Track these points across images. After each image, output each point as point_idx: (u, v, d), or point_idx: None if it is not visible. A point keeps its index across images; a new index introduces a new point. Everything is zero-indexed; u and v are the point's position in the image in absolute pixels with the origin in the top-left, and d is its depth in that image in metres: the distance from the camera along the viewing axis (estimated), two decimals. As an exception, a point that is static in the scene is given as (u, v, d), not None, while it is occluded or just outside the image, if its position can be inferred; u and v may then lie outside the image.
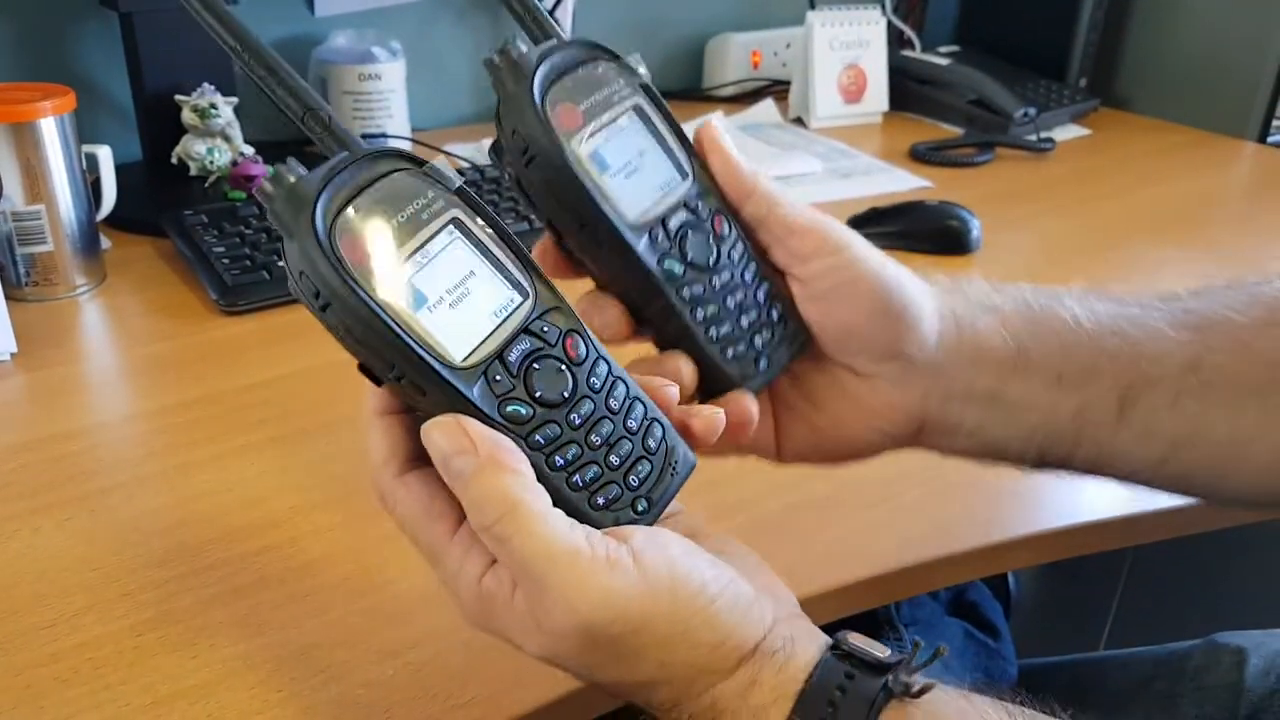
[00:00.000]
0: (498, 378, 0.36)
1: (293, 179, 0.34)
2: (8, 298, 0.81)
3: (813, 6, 1.43)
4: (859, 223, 0.99)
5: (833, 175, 1.16)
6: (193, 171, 1.01)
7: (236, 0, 1.02)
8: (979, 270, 0.96)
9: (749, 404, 0.44)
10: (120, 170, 0.99)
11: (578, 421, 0.38)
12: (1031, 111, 1.30)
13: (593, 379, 0.38)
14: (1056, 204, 1.14)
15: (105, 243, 0.91)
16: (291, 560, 0.55)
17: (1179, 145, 1.34)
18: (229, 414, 0.68)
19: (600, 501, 0.38)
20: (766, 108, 1.36)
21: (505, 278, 0.38)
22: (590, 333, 0.39)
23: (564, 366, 0.38)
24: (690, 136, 0.45)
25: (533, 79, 0.39)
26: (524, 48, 0.40)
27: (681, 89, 1.44)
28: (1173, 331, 0.46)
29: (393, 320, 0.34)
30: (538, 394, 0.37)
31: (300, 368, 0.73)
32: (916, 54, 1.43)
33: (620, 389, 0.39)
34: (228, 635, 0.51)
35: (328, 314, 0.34)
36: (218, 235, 0.86)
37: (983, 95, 1.32)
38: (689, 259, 0.43)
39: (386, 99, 1.14)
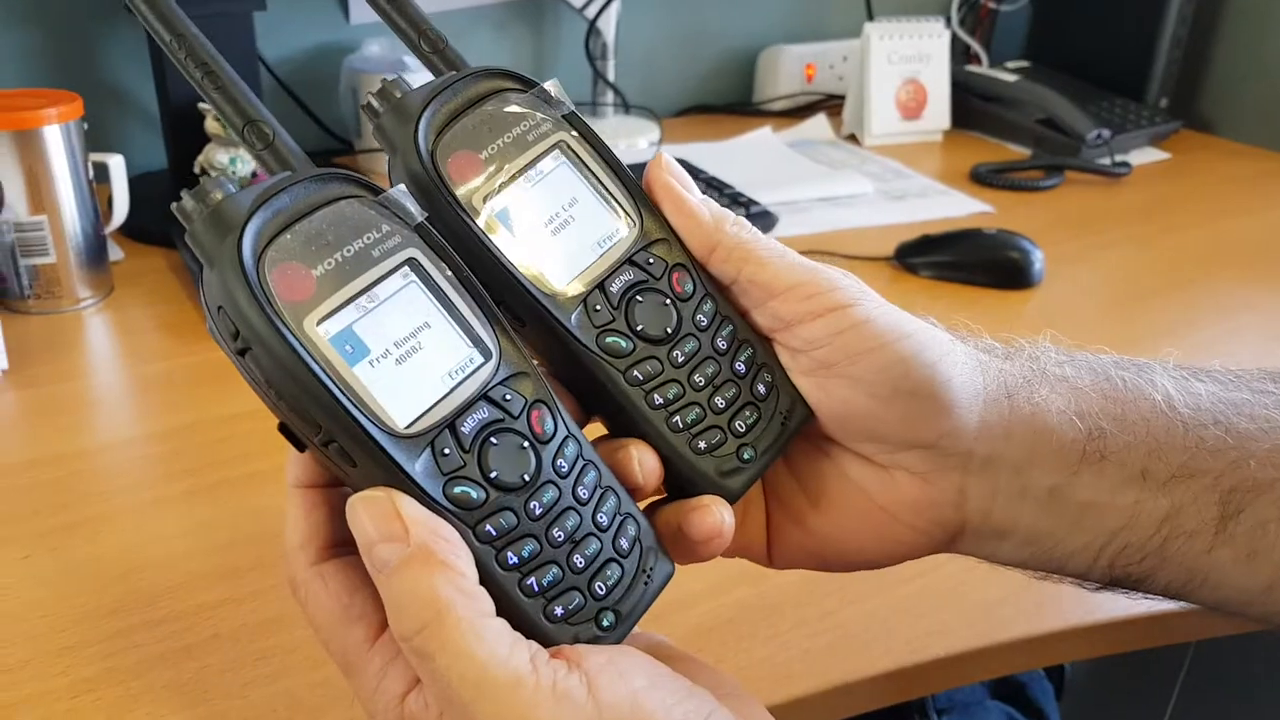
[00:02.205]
0: (446, 451, 0.30)
1: (219, 196, 0.29)
2: (9, 310, 0.78)
3: (871, 17, 1.36)
4: (907, 251, 0.92)
5: (884, 197, 1.09)
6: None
7: (263, 6, 0.99)
8: (1038, 307, 0.89)
9: (720, 513, 0.35)
10: (144, 179, 0.96)
11: (538, 511, 0.31)
12: (1105, 133, 1.21)
13: (560, 461, 0.32)
14: (1130, 234, 1.05)
15: (117, 254, 0.88)
16: (249, 616, 0.51)
17: (1268, 172, 1.25)
18: (212, 445, 0.64)
19: (558, 612, 0.31)
20: (819, 123, 1.29)
21: (465, 333, 0.32)
22: (560, 406, 0.33)
23: (527, 443, 0.32)
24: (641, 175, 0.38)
25: (417, 123, 0.33)
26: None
27: (730, 102, 1.39)
28: None
29: (325, 373, 0.28)
30: (493, 474, 0.31)
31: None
32: (982, 69, 1.35)
33: (591, 474, 0.33)
34: (168, 703, 0.46)
35: (246, 360, 0.29)
36: (228, 250, 0.82)
37: (1053, 114, 1.24)
38: (638, 330, 0.35)
39: (420, 109, 1.10)
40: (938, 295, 0.88)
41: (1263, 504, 0.36)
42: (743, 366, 0.36)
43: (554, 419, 0.33)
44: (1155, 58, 1.33)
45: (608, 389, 0.35)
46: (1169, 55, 1.34)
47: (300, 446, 0.31)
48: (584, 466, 0.33)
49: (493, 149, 0.33)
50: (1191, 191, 1.19)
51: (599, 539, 0.33)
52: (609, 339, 0.34)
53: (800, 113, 1.35)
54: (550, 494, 0.32)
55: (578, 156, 0.35)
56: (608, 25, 1.22)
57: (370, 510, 0.29)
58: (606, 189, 0.35)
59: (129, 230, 0.90)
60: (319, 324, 0.29)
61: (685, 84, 1.38)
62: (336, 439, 0.29)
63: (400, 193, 0.32)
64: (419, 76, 1.13)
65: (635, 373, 0.34)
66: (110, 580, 0.53)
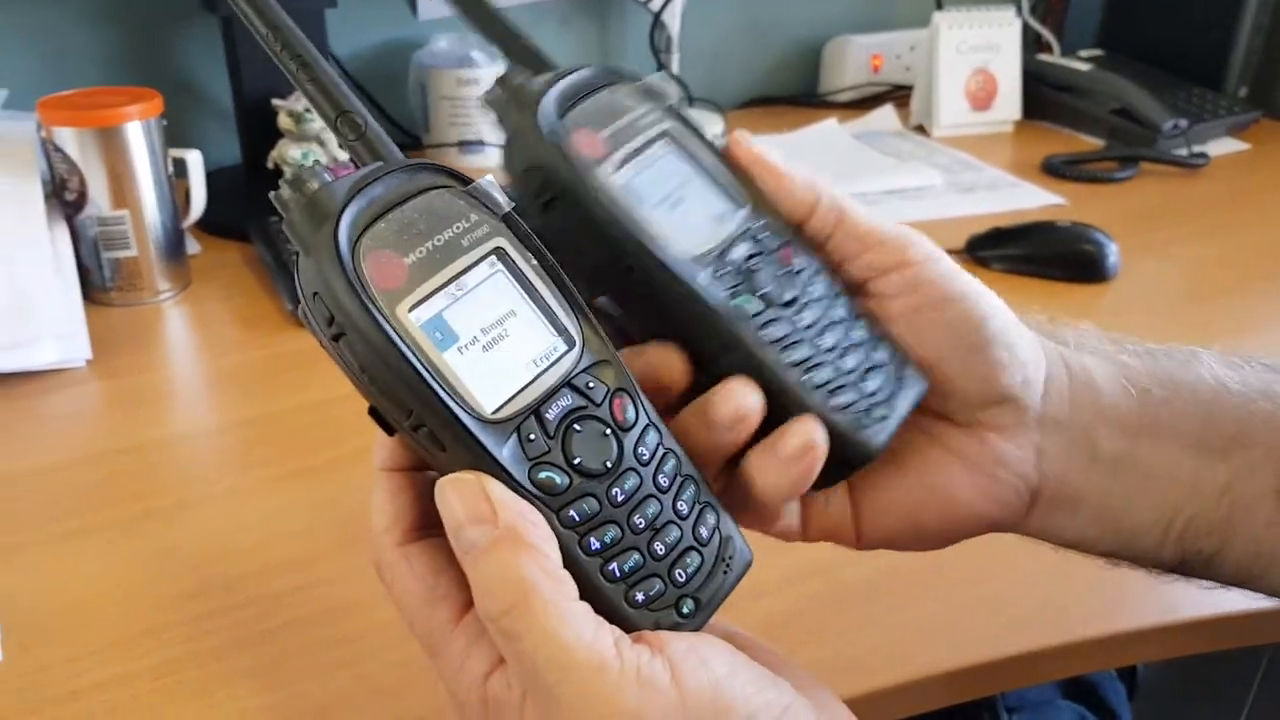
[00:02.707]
0: (532, 437, 0.31)
1: (315, 185, 0.30)
2: (93, 301, 0.80)
3: (939, 7, 1.35)
4: (979, 244, 0.90)
5: (953, 189, 1.08)
6: (288, 176, 0.99)
7: (334, 4, 1.00)
8: (1113, 301, 0.87)
9: (814, 428, 0.35)
10: (219, 174, 0.98)
11: (620, 498, 0.32)
12: (1182, 123, 1.18)
13: (641, 449, 0.32)
14: (1207, 227, 1.03)
15: (195, 247, 0.90)
16: (328, 601, 0.52)
17: (1352, 162, 1.21)
18: (288, 435, 0.65)
19: (639, 598, 0.31)
20: (886, 114, 1.28)
21: (550, 321, 0.32)
22: (642, 394, 0.33)
23: (609, 431, 0.32)
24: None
25: (538, 106, 0.34)
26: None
27: (795, 94, 1.38)
28: None
29: (417, 358, 0.29)
30: (576, 460, 0.31)
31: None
32: (1054, 58, 1.33)
33: (671, 463, 0.33)
34: (250, 684, 0.47)
35: (340, 345, 0.29)
36: (301, 243, 0.84)
37: (1127, 104, 1.21)
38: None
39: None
40: (1010, 288, 0.86)
41: None
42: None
43: (635, 407, 0.33)
44: (1234, 45, 1.30)
45: (744, 356, 0.35)
46: (1248, 43, 1.30)
47: (390, 430, 0.31)
48: (664, 455, 0.33)
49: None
50: (1271, 183, 1.15)
51: (679, 526, 0.33)
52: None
53: (866, 104, 1.33)
54: (632, 481, 0.32)
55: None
56: (672, 18, 1.22)
57: (459, 492, 0.30)
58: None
59: (205, 224, 0.92)
60: (411, 310, 0.29)
61: (750, 76, 1.37)
62: (427, 423, 0.30)
63: (488, 183, 0.32)
64: (487, 72, 1.14)
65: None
66: (190, 565, 0.54)
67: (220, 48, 1.01)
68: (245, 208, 0.94)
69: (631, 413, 0.33)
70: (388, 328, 0.28)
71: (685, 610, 0.32)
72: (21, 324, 0.71)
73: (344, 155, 0.99)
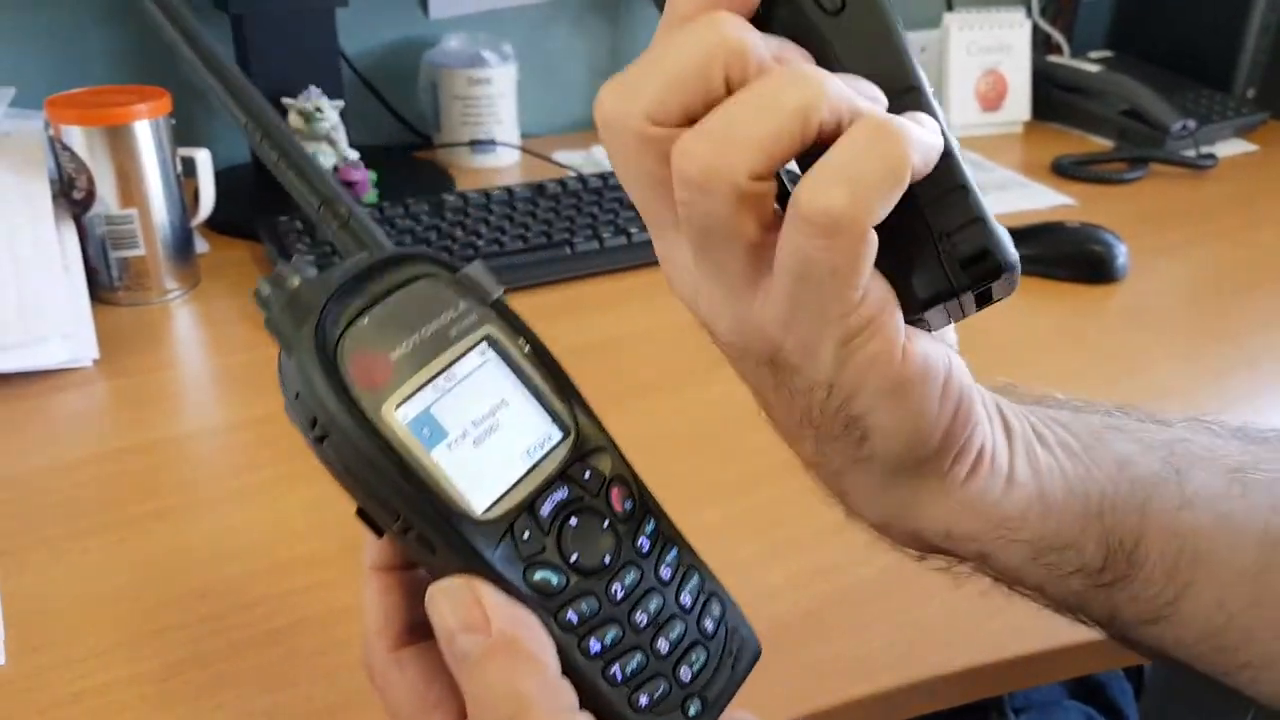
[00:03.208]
0: (526, 535, 0.29)
1: (296, 282, 0.29)
2: (100, 301, 0.80)
3: (950, 8, 1.34)
4: (988, 245, 0.90)
5: (963, 191, 1.07)
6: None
7: (345, 3, 1.00)
8: (1122, 301, 0.87)
9: None
10: (228, 173, 0.98)
11: (620, 595, 0.30)
12: (1191, 124, 1.18)
13: (641, 540, 0.31)
14: (1216, 228, 1.02)
15: (203, 246, 0.90)
16: (336, 601, 0.52)
17: (1362, 164, 1.20)
18: (295, 434, 0.64)
19: (643, 701, 0.30)
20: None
21: (544, 409, 0.31)
22: (640, 480, 0.32)
23: (607, 522, 0.31)
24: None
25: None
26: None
27: (806, 95, 1.37)
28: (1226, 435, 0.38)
29: (403, 460, 0.28)
30: (574, 557, 0.30)
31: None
32: (1064, 59, 1.32)
33: (673, 552, 0.32)
34: (256, 684, 0.47)
35: (324, 446, 0.28)
36: (309, 243, 0.84)
37: (1136, 105, 1.21)
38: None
39: (495, 104, 1.11)
40: (1021, 289, 0.86)
41: (1207, 467, 0.36)
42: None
43: (634, 495, 0.32)
44: (1242, 47, 1.29)
45: None
46: (1256, 44, 1.29)
47: (379, 532, 0.30)
48: (665, 544, 0.32)
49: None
50: (1279, 184, 1.15)
51: (683, 621, 0.32)
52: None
53: (875, 105, 1.33)
54: (632, 576, 0.31)
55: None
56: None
57: (450, 599, 0.29)
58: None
59: (214, 223, 0.92)
60: (397, 408, 0.28)
61: (758, 77, 1.37)
62: (415, 527, 0.29)
63: (476, 269, 0.31)
64: (498, 71, 1.13)
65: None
66: (198, 565, 0.54)
67: (230, 46, 1.01)
68: (254, 206, 0.94)
69: (630, 502, 0.32)
70: (372, 430, 0.28)
71: (692, 712, 0.31)
72: (29, 323, 0.71)
73: (354, 155, 1.00)
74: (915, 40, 1.36)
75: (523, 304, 0.88)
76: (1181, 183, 1.14)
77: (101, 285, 0.81)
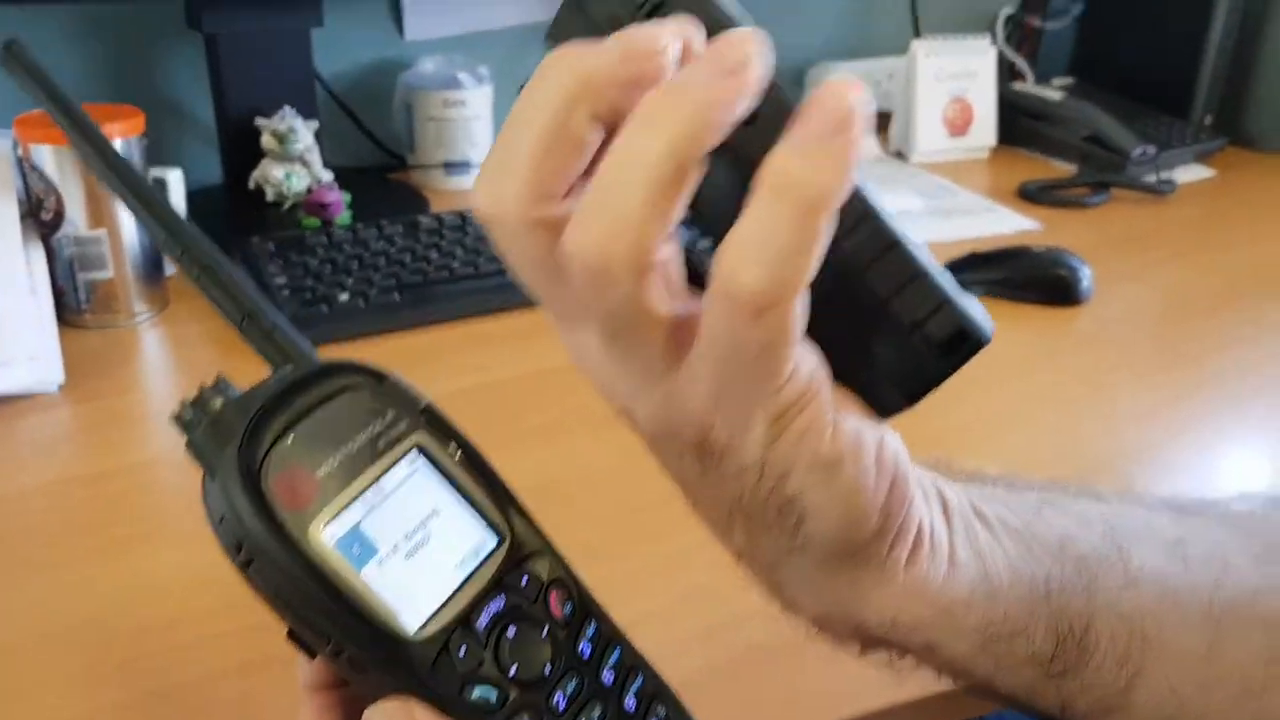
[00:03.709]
0: (462, 651, 0.29)
1: (219, 404, 0.29)
2: (67, 324, 0.80)
3: (918, 35, 1.36)
4: (956, 268, 0.91)
5: (933, 214, 1.09)
6: (269, 197, 0.99)
7: (321, 23, 1.00)
8: (1088, 324, 0.88)
9: None
10: (200, 194, 0.98)
11: (562, 705, 0.30)
12: (1151, 150, 1.20)
13: (582, 644, 0.31)
14: (1177, 252, 1.05)
15: (172, 269, 0.90)
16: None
17: (1317, 190, 1.23)
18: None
19: None
20: (866, 140, 1.29)
21: (477, 515, 0.31)
22: (579, 580, 0.32)
23: (547, 630, 0.30)
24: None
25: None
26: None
27: (776, 119, 1.39)
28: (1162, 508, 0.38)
29: (331, 583, 0.27)
30: (513, 670, 0.29)
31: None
32: (1028, 87, 1.35)
33: (615, 654, 0.31)
34: (229, 717, 0.46)
35: (251, 571, 0.27)
36: (282, 265, 0.83)
37: (1098, 131, 1.23)
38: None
39: (471, 126, 1.12)
40: (988, 312, 0.88)
41: (1147, 543, 0.36)
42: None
43: (573, 598, 0.31)
44: (1199, 75, 1.32)
45: None
46: (1213, 73, 1.32)
47: (311, 654, 0.30)
48: (607, 647, 0.31)
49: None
50: (1237, 208, 1.17)
51: None
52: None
53: (844, 129, 1.35)
54: (573, 684, 0.30)
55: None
56: (653, 43, 1.22)
57: None
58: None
59: (183, 244, 0.91)
60: (324, 528, 0.28)
61: (729, 100, 1.38)
62: (346, 650, 0.28)
63: (401, 378, 0.31)
64: (473, 93, 1.13)
65: None
66: (168, 594, 0.54)
67: (204, 66, 1.01)
68: (226, 228, 0.94)
69: (570, 605, 0.31)
70: (298, 554, 0.27)
71: None
72: (-3, 345, 0.70)
73: (328, 176, 0.99)
74: (884, 67, 1.38)
75: (498, 327, 0.88)
76: (1143, 207, 1.16)
77: (69, 307, 0.80)
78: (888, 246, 0.28)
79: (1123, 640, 0.35)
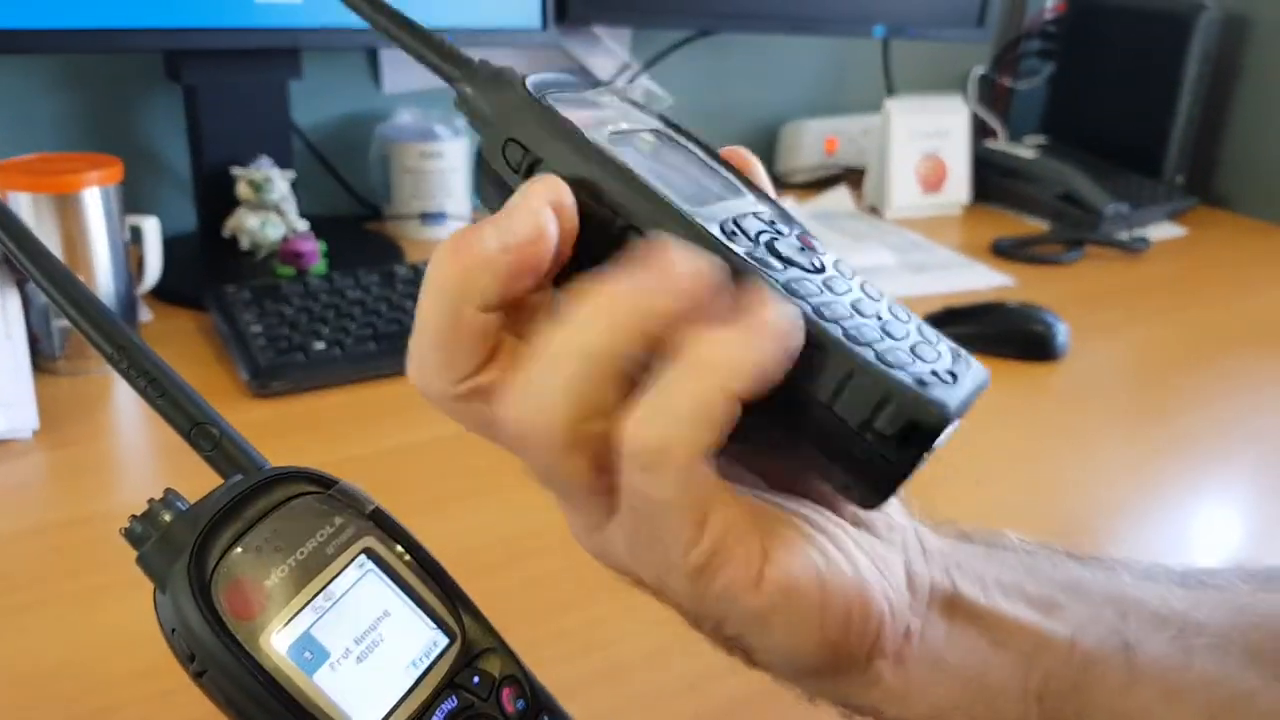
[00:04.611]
0: None
1: (168, 517, 0.29)
2: (41, 370, 0.79)
3: (891, 93, 1.39)
4: (932, 322, 0.92)
5: (906, 269, 1.10)
6: (244, 245, 0.99)
7: (299, 75, 1.01)
8: (1064, 379, 0.89)
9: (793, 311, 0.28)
10: (175, 242, 0.97)
11: None
12: (1124, 208, 1.23)
13: None
14: (1151, 309, 1.06)
15: (147, 315, 0.89)
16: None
17: (1285, 249, 1.26)
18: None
19: None
20: (840, 195, 1.31)
21: (426, 615, 0.31)
22: (531, 676, 0.32)
23: None
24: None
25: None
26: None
27: (753, 174, 1.41)
28: (1156, 574, 0.37)
29: (284, 690, 0.28)
30: None
31: (317, 460, 0.69)
32: (1001, 145, 1.37)
33: None
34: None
35: (205, 681, 0.28)
36: (258, 313, 0.83)
37: (1071, 189, 1.25)
38: (787, 258, 0.29)
39: (447, 177, 1.12)
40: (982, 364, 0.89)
41: (1157, 637, 0.35)
42: (904, 313, 0.31)
43: (525, 694, 0.32)
44: (1170, 135, 1.35)
45: None
46: (1184, 133, 1.35)
47: None
48: None
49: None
50: (1209, 267, 1.19)
51: None
52: None
53: (821, 185, 1.37)
54: None
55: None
56: (634, 96, 1.24)
57: None
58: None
59: (160, 293, 0.91)
60: (275, 635, 0.28)
61: (706, 155, 1.40)
62: None
63: (351, 484, 0.32)
64: (450, 145, 1.14)
65: None
66: (145, 642, 0.51)
67: (179, 115, 1.01)
68: (201, 276, 0.93)
69: (523, 702, 0.32)
70: (250, 663, 0.27)
71: None
72: (-33, 392, 0.69)
73: (303, 225, 0.99)
74: (858, 124, 1.40)
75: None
76: (1116, 264, 1.18)
77: (43, 354, 0.79)
78: (819, 348, 0.27)
79: None
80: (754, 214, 0.31)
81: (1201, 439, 0.80)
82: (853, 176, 1.38)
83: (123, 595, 0.56)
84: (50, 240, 0.77)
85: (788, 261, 0.30)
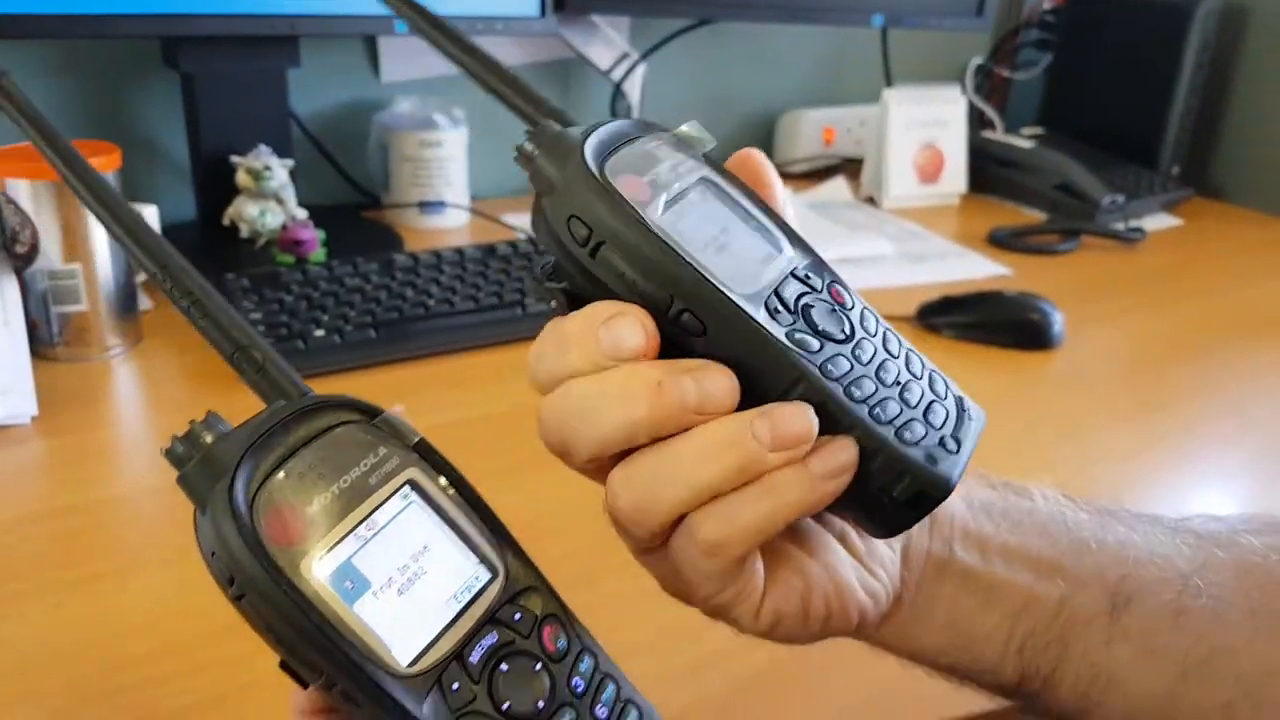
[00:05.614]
0: (455, 685, 0.29)
1: (210, 439, 0.29)
2: (40, 357, 0.79)
3: (889, 84, 1.39)
4: (929, 311, 0.92)
5: (904, 259, 1.10)
6: (244, 234, 0.99)
7: (298, 64, 1.01)
8: (1060, 368, 0.89)
9: (854, 449, 0.33)
10: (174, 230, 0.98)
11: None
12: (1120, 199, 1.23)
13: (575, 679, 0.31)
14: (1146, 298, 1.06)
15: (147, 303, 0.89)
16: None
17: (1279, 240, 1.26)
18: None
19: None
20: (838, 186, 1.31)
21: (469, 550, 0.31)
22: (574, 617, 0.32)
23: (540, 665, 0.30)
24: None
25: (581, 152, 0.31)
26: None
27: (751, 164, 1.41)
28: (1172, 535, 0.40)
29: (323, 618, 0.27)
30: (505, 705, 0.29)
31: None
32: (998, 135, 1.37)
33: (609, 689, 0.31)
34: (201, 751, 0.46)
35: (244, 605, 0.28)
36: (257, 301, 0.83)
37: (1068, 180, 1.26)
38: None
39: (446, 166, 1.12)
40: (960, 355, 0.89)
41: (1149, 598, 0.38)
42: (919, 368, 0.34)
43: (567, 634, 0.32)
44: (1167, 127, 1.35)
45: (806, 391, 0.32)
46: (1180, 125, 1.36)
47: (303, 684, 0.29)
48: (601, 681, 0.31)
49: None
50: (1203, 257, 1.20)
51: None
52: None
53: (819, 175, 1.37)
54: (567, 719, 0.30)
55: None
56: (633, 88, 1.24)
57: None
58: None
59: (158, 280, 0.91)
60: (316, 563, 0.28)
61: (704, 145, 1.40)
62: (339, 682, 0.28)
63: (396, 415, 0.32)
64: (448, 134, 1.14)
65: None
66: (142, 628, 0.53)
67: (178, 103, 1.01)
68: (200, 263, 0.93)
69: (564, 641, 0.31)
70: (290, 588, 0.27)
71: None
72: (-34, 378, 0.70)
73: (302, 213, 0.99)
74: (856, 114, 1.40)
75: (475, 364, 0.88)
76: (1112, 254, 1.18)
77: (42, 341, 0.80)
78: (849, 429, 0.32)
79: (1086, 682, 0.38)
80: (791, 273, 0.34)
81: (1196, 427, 0.81)
82: (850, 166, 1.38)
83: (121, 581, 0.56)
84: (49, 228, 0.77)
85: (823, 336, 0.33)
